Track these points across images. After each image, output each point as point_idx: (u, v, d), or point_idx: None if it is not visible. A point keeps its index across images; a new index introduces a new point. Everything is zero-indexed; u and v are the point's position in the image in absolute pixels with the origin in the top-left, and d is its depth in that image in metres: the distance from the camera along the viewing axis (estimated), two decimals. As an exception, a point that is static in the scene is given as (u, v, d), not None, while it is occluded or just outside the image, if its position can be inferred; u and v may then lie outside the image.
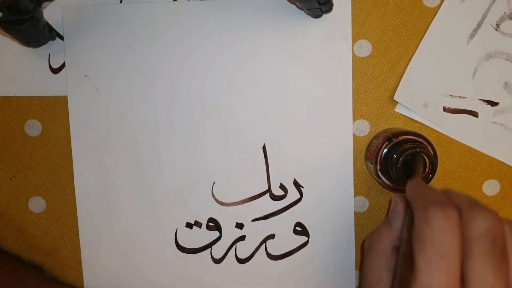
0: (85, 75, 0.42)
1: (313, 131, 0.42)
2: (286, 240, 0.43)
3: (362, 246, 0.35)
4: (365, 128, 0.42)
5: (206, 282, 0.43)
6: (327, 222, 0.43)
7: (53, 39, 0.42)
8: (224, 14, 0.41)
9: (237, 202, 0.43)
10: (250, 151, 0.42)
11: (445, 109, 0.42)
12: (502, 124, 0.42)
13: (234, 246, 0.43)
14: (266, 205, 0.43)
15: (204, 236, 0.43)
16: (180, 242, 0.43)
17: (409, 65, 0.42)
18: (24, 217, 0.44)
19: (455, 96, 0.42)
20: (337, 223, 0.43)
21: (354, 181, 0.42)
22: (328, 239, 0.43)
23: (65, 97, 0.43)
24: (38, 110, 0.43)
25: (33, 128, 0.43)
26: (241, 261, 0.43)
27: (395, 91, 0.42)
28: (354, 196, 0.43)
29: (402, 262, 0.28)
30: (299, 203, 0.43)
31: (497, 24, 0.41)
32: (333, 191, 0.42)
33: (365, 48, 0.42)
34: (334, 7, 0.39)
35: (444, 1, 0.41)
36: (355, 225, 0.43)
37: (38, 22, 0.37)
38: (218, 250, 0.43)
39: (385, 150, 0.39)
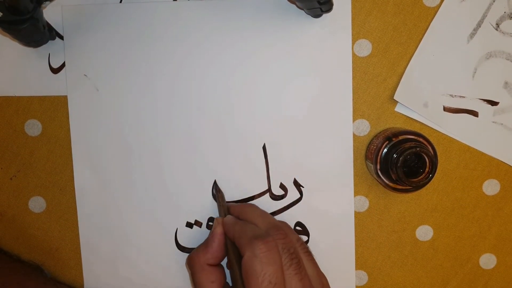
0: (85, 75, 0.42)
1: (313, 130, 0.42)
2: (286, 239, 0.43)
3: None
4: (365, 128, 0.42)
5: None
6: (327, 222, 0.43)
7: (53, 39, 0.42)
8: (224, 14, 0.41)
9: (237, 201, 0.43)
10: (250, 151, 0.42)
11: (445, 109, 0.42)
12: (502, 124, 0.42)
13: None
14: (266, 204, 0.43)
15: (204, 235, 0.43)
16: (180, 242, 0.43)
17: (409, 65, 0.42)
18: (24, 217, 0.44)
19: (455, 95, 0.42)
20: (337, 223, 0.43)
21: (354, 181, 0.42)
22: (328, 239, 0.43)
23: (65, 97, 0.43)
24: (38, 110, 0.43)
25: (33, 128, 0.43)
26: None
27: (395, 90, 0.42)
28: (354, 196, 0.43)
29: None
30: (299, 203, 0.43)
31: (497, 24, 0.41)
32: (333, 191, 0.42)
33: (365, 47, 0.42)
34: (334, 6, 0.39)
35: (444, 1, 0.41)
36: (355, 225, 0.43)
37: (38, 22, 0.37)
38: (218, 249, 0.43)
39: (385, 150, 0.39)
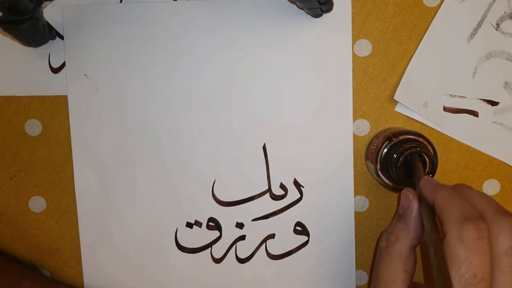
0: (85, 75, 0.42)
1: (313, 130, 0.42)
2: (286, 239, 0.43)
3: (376, 243, 0.35)
4: (365, 128, 0.42)
5: (206, 282, 0.43)
6: (327, 222, 0.43)
7: (53, 38, 0.42)
8: (224, 14, 0.41)
9: (237, 201, 0.43)
10: (250, 151, 0.42)
11: (445, 109, 0.42)
12: (502, 124, 0.42)
13: (234, 245, 0.43)
14: (266, 204, 0.43)
15: (204, 235, 0.43)
16: (180, 242, 0.43)
17: (409, 65, 0.42)
18: (24, 216, 0.44)
19: (455, 95, 0.42)
20: (337, 223, 0.43)
21: (354, 181, 0.42)
22: (328, 239, 0.43)
23: (65, 97, 0.43)
24: (38, 110, 0.43)
25: (33, 127, 0.43)
26: (241, 260, 0.43)
27: (395, 90, 0.42)
28: (354, 196, 0.43)
29: (435, 253, 0.28)
30: (299, 203, 0.43)
31: (497, 24, 0.41)
32: (333, 191, 0.42)
33: (365, 47, 0.42)
34: (334, 6, 0.39)
35: (444, 1, 0.41)
36: (355, 225, 0.43)
37: (38, 22, 0.37)
38: (218, 249, 0.43)
39: (385, 150, 0.39)
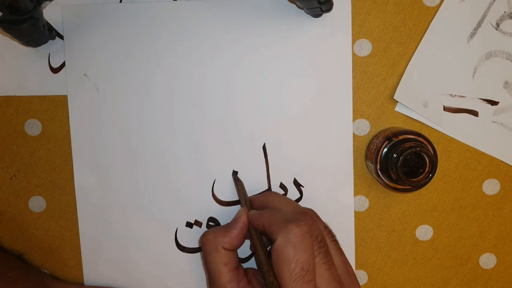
0: (85, 75, 0.42)
1: (313, 130, 0.42)
2: (286, 239, 0.43)
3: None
4: (365, 128, 0.42)
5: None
6: (327, 221, 0.43)
7: (53, 38, 0.42)
8: (224, 13, 0.41)
9: (237, 201, 0.43)
10: (250, 151, 0.42)
11: (445, 109, 0.42)
12: (502, 124, 0.42)
13: (234, 245, 0.43)
14: (266, 204, 0.43)
15: (204, 235, 0.43)
16: (180, 242, 0.43)
17: (409, 65, 0.42)
18: (24, 216, 0.44)
19: (455, 95, 0.42)
20: (337, 222, 0.43)
21: (354, 181, 0.42)
22: (328, 238, 0.43)
23: (65, 97, 0.43)
24: (38, 110, 0.43)
25: (33, 127, 0.43)
26: (241, 260, 0.43)
27: (395, 90, 0.42)
28: (354, 195, 0.43)
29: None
30: (299, 202, 0.43)
31: (497, 23, 0.41)
32: (333, 191, 0.42)
33: (365, 47, 0.42)
34: (334, 6, 0.39)
35: (444, 1, 0.41)
36: (355, 224, 0.43)
37: (38, 22, 0.37)
38: (218, 249, 0.43)
39: (385, 150, 0.39)
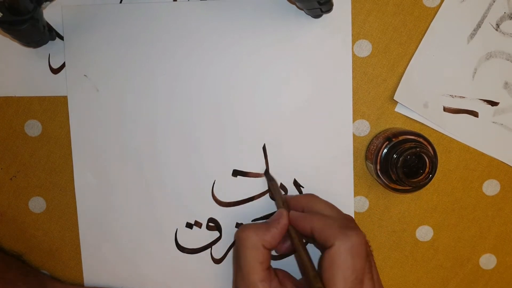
0: (85, 75, 0.42)
1: (313, 131, 0.42)
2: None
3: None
4: (365, 128, 0.42)
5: (206, 282, 0.43)
6: (327, 222, 0.43)
7: (53, 39, 0.42)
8: (224, 14, 0.41)
9: (237, 202, 0.43)
10: (250, 151, 0.42)
11: (445, 109, 0.42)
12: (502, 124, 0.42)
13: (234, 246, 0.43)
14: (266, 205, 0.43)
15: (204, 236, 0.43)
16: (180, 242, 0.43)
17: (409, 65, 0.42)
18: (24, 217, 0.44)
19: (455, 96, 0.42)
20: (337, 223, 0.43)
21: (354, 181, 0.42)
22: (328, 239, 0.43)
23: (65, 97, 0.43)
24: (38, 110, 0.43)
25: (33, 128, 0.43)
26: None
27: (395, 91, 0.42)
28: (354, 196, 0.43)
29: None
30: (299, 203, 0.43)
31: (497, 24, 0.41)
32: (333, 191, 0.42)
33: (365, 48, 0.42)
34: (334, 7, 0.39)
35: (444, 1, 0.41)
36: (355, 225, 0.43)
37: (38, 23, 0.37)
38: (218, 250, 0.43)
39: (385, 150, 0.39)
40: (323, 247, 0.34)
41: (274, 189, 0.41)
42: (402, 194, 0.43)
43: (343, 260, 0.32)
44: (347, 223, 0.35)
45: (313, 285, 0.32)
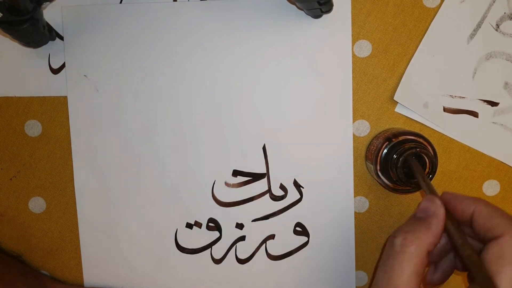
0: (85, 75, 0.42)
1: (313, 131, 0.42)
2: (286, 240, 0.43)
3: (386, 240, 0.33)
4: (365, 128, 0.42)
5: (206, 282, 0.43)
6: (327, 222, 0.43)
7: (53, 39, 0.42)
8: (224, 14, 0.41)
9: (237, 202, 0.43)
10: (250, 151, 0.42)
11: (445, 109, 0.42)
12: (502, 124, 0.42)
13: (234, 246, 0.43)
14: (266, 205, 0.43)
15: (204, 236, 0.43)
16: (180, 242, 0.43)
17: (409, 65, 0.42)
18: (24, 217, 0.44)
19: (455, 96, 0.42)
20: (337, 223, 0.43)
21: (354, 181, 0.42)
22: (328, 239, 0.43)
23: (65, 97, 0.43)
24: (38, 110, 0.43)
25: (33, 128, 0.43)
26: (241, 261, 0.43)
27: (395, 91, 0.42)
28: (354, 196, 0.43)
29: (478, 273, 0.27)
30: (299, 203, 0.43)
31: (497, 24, 0.41)
32: (333, 191, 0.42)
33: (365, 48, 0.42)
34: (334, 7, 0.39)
35: (444, 1, 0.41)
36: (355, 225, 0.43)
37: (38, 23, 0.37)
38: (218, 250, 0.43)
39: (385, 150, 0.39)
40: (486, 238, 0.29)
41: (420, 173, 0.34)
42: (402, 194, 0.43)
43: None
44: None
45: (481, 281, 0.27)
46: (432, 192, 0.32)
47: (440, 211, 0.30)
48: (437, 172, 0.38)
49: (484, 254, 0.28)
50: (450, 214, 0.30)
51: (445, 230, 0.30)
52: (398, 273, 0.28)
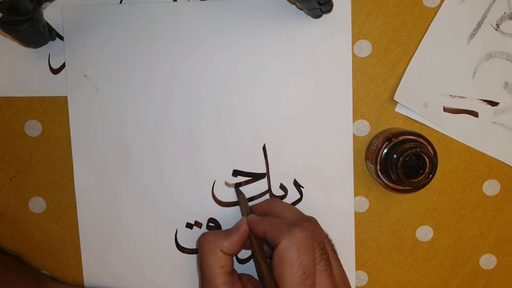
0: (85, 75, 0.42)
1: (313, 131, 0.42)
2: (286, 240, 0.43)
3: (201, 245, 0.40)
4: (365, 128, 0.42)
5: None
6: (327, 222, 0.43)
7: (53, 39, 0.42)
8: (224, 14, 0.41)
9: (237, 202, 0.43)
10: (250, 152, 0.42)
11: (445, 109, 0.42)
12: (502, 124, 0.42)
13: (234, 246, 0.43)
14: (266, 205, 0.43)
15: (204, 236, 0.43)
16: (180, 242, 0.43)
17: (409, 65, 0.42)
18: (25, 217, 0.44)
19: (455, 96, 0.42)
20: (337, 223, 0.43)
21: (354, 181, 0.42)
22: (328, 239, 0.43)
23: (65, 97, 0.43)
24: (38, 110, 0.43)
25: (33, 128, 0.43)
26: (241, 261, 0.43)
27: (395, 91, 0.42)
28: (354, 196, 0.43)
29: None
30: (299, 203, 0.43)
31: (497, 24, 0.41)
32: (333, 192, 0.42)
33: (365, 48, 0.42)
34: (334, 7, 0.39)
35: (444, 1, 0.41)
36: (355, 225, 0.43)
37: (38, 23, 0.37)
38: (218, 250, 0.43)
39: (385, 150, 0.39)
40: (274, 247, 0.34)
41: (241, 202, 0.41)
42: (402, 194, 0.43)
43: (289, 256, 0.32)
44: (298, 221, 0.35)
45: None
46: (244, 214, 0.39)
47: (242, 227, 0.37)
48: (437, 172, 0.38)
49: (272, 260, 0.34)
50: (258, 238, 0.37)
51: (253, 252, 0.37)
52: (207, 266, 0.36)
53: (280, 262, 0.33)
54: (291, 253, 0.32)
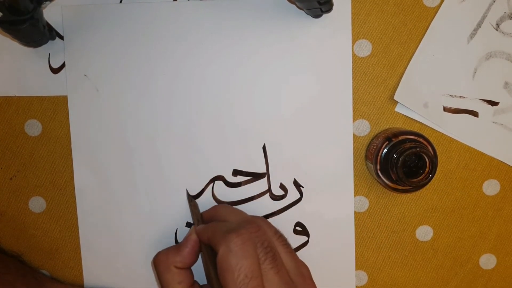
0: (85, 75, 0.42)
1: (313, 131, 0.42)
2: (286, 240, 0.43)
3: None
4: (365, 128, 0.42)
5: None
6: (327, 222, 0.43)
7: (53, 39, 0.42)
8: (224, 14, 0.41)
9: (237, 202, 0.43)
10: (250, 151, 0.42)
11: (445, 109, 0.42)
12: (502, 124, 0.42)
13: (234, 246, 0.43)
14: (266, 205, 0.43)
15: (204, 236, 0.43)
16: (180, 242, 0.43)
17: (409, 65, 0.42)
18: (24, 217, 0.44)
19: (455, 96, 0.42)
20: (337, 223, 0.43)
21: (354, 181, 0.42)
22: (328, 239, 0.43)
23: (65, 97, 0.43)
24: (38, 110, 0.43)
25: (33, 128, 0.43)
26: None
27: (395, 91, 0.42)
28: (354, 196, 0.43)
29: None
30: (299, 203, 0.43)
31: (497, 24, 0.41)
32: (333, 191, 0.42)
33: (365, 48, 0.42)
34: (334, 7, 0.39)
35: (444, 1, 0.41)
36: (355, 225, 0.43)
37: (38, 22, 0.37)
38: (218, 250, 0.43)
39: (385, 150, 0.39)
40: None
41: (192, 210, 0.41)
42: (402, 194, 0.43)
43: (228, 263, 0.33)
44: (237, 225, 0.35)
45: None
46: (195, 222, 0.39)
47: (191, 237, 0.38)
48: (437, 171, 0.38)
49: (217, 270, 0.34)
50: (206, 247, 0.37)
51: (203, 261, 0.38)
52: (165, 284, 0.37)
53: (222, 270, 0.33)
54: (229, 260, 0.33)
